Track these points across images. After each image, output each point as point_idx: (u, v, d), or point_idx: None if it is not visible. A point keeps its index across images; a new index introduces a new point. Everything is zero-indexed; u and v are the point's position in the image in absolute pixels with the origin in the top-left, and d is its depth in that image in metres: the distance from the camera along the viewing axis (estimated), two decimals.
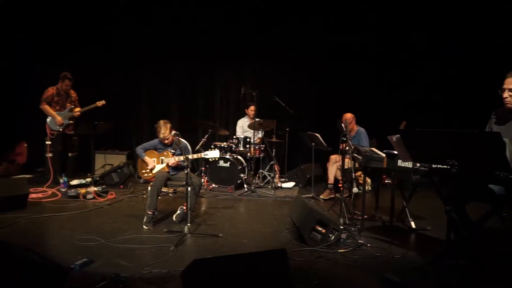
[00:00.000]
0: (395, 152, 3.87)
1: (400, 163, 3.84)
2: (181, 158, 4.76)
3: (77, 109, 6.96)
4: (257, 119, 7.16)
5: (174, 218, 4.79)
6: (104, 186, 6.38)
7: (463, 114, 7.34)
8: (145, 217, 4.58)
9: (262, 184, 7.29)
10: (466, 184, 3.05)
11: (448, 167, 2.56)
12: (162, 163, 4.90)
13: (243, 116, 7.96)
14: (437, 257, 3.49)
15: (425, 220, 5.01)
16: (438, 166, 3.14)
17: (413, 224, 4.66)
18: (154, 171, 4.88)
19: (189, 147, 5.14)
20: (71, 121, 6.95)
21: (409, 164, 3.70)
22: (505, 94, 3.11)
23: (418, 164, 3.47)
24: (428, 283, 3.06)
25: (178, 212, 4.82)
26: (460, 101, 7.60)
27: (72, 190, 5.98)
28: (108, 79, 8.43)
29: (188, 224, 4.28)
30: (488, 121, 3.40)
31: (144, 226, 4.51)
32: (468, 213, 3.23)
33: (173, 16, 8.45)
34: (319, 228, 3.93)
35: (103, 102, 6.82)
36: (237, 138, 7.22)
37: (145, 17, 8.45)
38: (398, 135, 3.52)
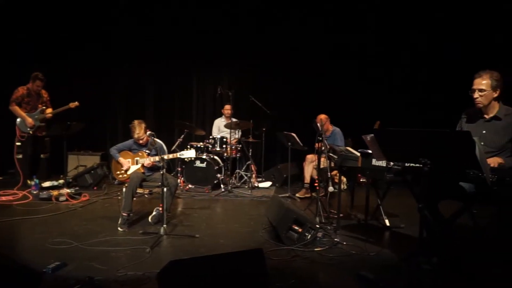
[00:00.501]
0: (370, 151, 3.93)
1: (374, 162, 3.90)
2: (157, 158, 4.70)
3: (49, 110, 6.79)
4: (233, 119, 7.15)
5: (149, 220, 4.73)
6: (77, 188, 6.25)
7: (439, 113, 7.50)
8: (120, 219, 4.51)
9: (239, 184, 7.28)
10: (438, 182, 3.13)
11: (421, 165, 2.61)
12: (137, 164, 4.84)
13: (219, 116, 7.93)
14: (410, 254, 3.56)
15: (399, 218, 5.11)
16: (411, 164, 3.20)
17: (387, 222, 4.74)
18: (129, 172, 4.80)
19: (165, 148, 5.09)
20: (42, 123, 6.77)
21: (383, 163, 3.76)
22: (475, 95, 3.20)
23: (391, 163, 3.52)
24: (402, 280, 3.12)
25: (154, 213, 4.76)
26: (432, 101, 7.78)
27: (44, 192, 5.83)
28: (82, 79, 8.26)
29: (164, 225, 4.23)
30: (458, 120, 3.50)
31: (119, 228, 4.44)
32: (440, 211, 3.31)
33: (150, 17, 8.35)
34: (296, 227, 3.95)
35: (76, 103, 6.66)
36: (214, 138, 7.20)
37: (120, 18, 8.33)
38: (372, 135, 3.57)
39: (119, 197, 5.18)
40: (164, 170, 4.30)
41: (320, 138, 4.83)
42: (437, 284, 2.95)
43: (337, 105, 7.76)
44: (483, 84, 3.17)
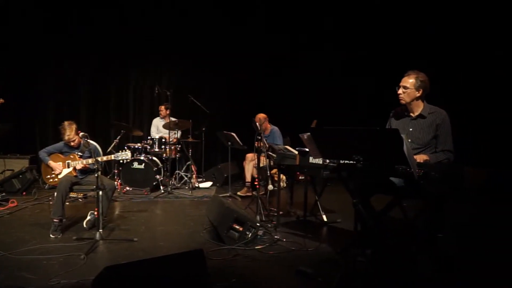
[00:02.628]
0: (307, 150, 4.03)
1: (311, 160, 4.01)
2: (90, 161, 4.53)
3: None
4: (172, 119, 7.03)
5: (84, 225, 4.54)
6: (3, 194, 5.86)
7: (372, 111, 7.86)
8: (52, 225, 4.28)
9: (179, 185, 7.19)
10: (370, 178, 3.27)
11: (354, 162, 2.72)
12: (68, 167, 4.62)
13: (157, 116, 7.77)
14: (346, 248, 3.70)
15: (336, 213, 5.30)
16: (346, 161, 3.32)
17: (324, 218, 4.89)
18: (60, 176, 4.58)
19: (99, 149, 4.90)
20: None
21: (319, 161, 3.88)
22: (400, 91, 3.39)
23: (327, 161, 3.63)
24: (339, 272, 3.23)
25: (89, 218, 4.58)
26: (367, 99, 8.13)
27: None
28: (7, 77, 7.74)
29: (100, 230, 4.08)
30: (387, 119, 3.68)
31: (51, 235, 4.22)
32: (373, 205, 3.46)
33: (83, 13, 7.98)
34: (236, 226, 3.96)
35: (1, 100, 6.22)
36: (152, 139, 7.05)
37: (56, 14, 7.89)
38: (309, 133, 3.66)
39: (51, 202, 4.91)
40: (99, 172, 4.14)
41: (259, 137, 4.89)
42: (370, 275, 3.09)
43: (275, 104, 7.91)
44: (408, 82, 3.36)
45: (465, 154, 3.51)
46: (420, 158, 3.15)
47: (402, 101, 3.40)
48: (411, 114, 3.45)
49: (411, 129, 3.42)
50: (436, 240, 3.13)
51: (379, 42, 8.06)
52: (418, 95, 3.35)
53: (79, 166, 4.58)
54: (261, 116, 6.30)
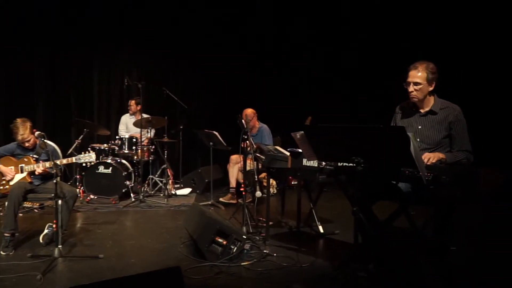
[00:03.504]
0: (300, 151, 4.03)
1: (305, 162, 4.01)
2: (47, 164, 4.48)
3: None
4: (144, 115, 6.99)
5: (41, 240, 4.49)
6: None
7: (375, 107, 7.92)
8: (3, 241, 4.23)
9: (152, 192, 7.15)
10: (373, 183, 3.29)
11: (354, 165, 2.73)
12: (22, 171, 4.57)
13: (127, 112, 7.73)
14: (345, 262, 3.72)
15: (334, 223, 5.32)
16: (344, 164, 3.33)
17: (321, 229, 4.91)
18: (12, 183, 4.52)
19: (59, 151, 4.87)
20: None
21: (314, 163, 3.88)
22: (410, 88, 3.40)
23: (323, 163, 3.64)
24: None
25: (46, 231, 4.53)
26: (368, 94, 8.19)
27: None
28: None
29: (59, 246, 4.02)
30: (393, 115, 3.71)
31: (2, 252, 4.17)
32: (375, 213, 3.48)
33: None
34: (220, 240, 3.95)
35: None
36: (121, 139, 7.01)
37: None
38: (302, 132, 3.66)
39: (1, 214, 4.85)
40: (59, 178, 4.10)
41: (246, 137, 4.88)
42: None
43: (264, 99, 7.92)
44: (418, 77, 3.36)
45: (479, 154, 3.54)
46: (435, 156, 3.17)
47: (414, 99, 3.42)
48: (420, 110, 3.49)
49: (419, 127, 3.45)
50: (448, 253, 3.16)
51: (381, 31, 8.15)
52: (431, 89, 3.39)
53: (39, 170, 4.52)
54: (249, 111, 6.30)
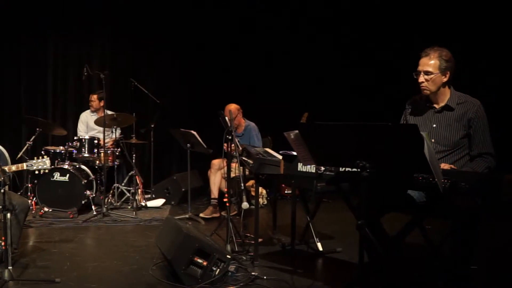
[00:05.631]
0: (295, 153, 4.06)
1: (300, 167, 4.04)
2: None
3: None
4: (108, 112, 6.98)
5: None
6: None
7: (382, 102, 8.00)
8: None
9: (118, 204, 7.15)
10: (381, 191, 3.32)
11: (358, 170, 2.76)
12: None
13: (87, 108, 7.71)
14: (349, 286, 3.75)
15: (335, 239, 5.36)
16: (347, 169, 3.36)
17: (319, 246, 4.93)
18: None
19: (7, 155, 4.87)
20: None
21: (311, 169, 3.91)
22: (421, 78, 3.42)
23: (322, 168, 3.67)
24: None
25: None
26: (376, 87, 8.27)
27: None
28: None
29: (9, 267, 4.02)
30: (402, 112, 3.74)
31: None
32: (384, 227, 3.52)
33: None
34: (199, 260, 3.96)
35: None
36: (80, 140, 6.98)
37: None
38: (297, 131, 3.69)
39: None
40: (7, 187, 4.09)
41: (230, 137, 4.90)
42: None
43: (251, 92, 7.94)
44: (430, 65, 3.38)
45: (502, 157, 3.59)
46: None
47: (425, 91, 3.44)
48: (435, 105, 3.52)
49: (434, 125, 3.48)
50: (468, 273, 3.21)
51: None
52: (445, 80, 3.41)
53: None
54: (232, 107, 6.31)
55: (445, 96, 3.47)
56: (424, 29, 7.60)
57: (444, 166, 3.22)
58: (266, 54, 8.59)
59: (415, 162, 2.64)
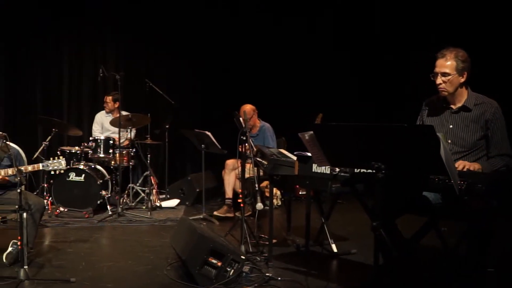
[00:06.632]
0: (309, 154, 4.05)
1: (315, 168, 4.03)
2: (10, 171, 4.50)
3: None
4: (124, 113, 7.02)
5: (4, 259, 4.52)
6: None
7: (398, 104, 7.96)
8: None
9: (133, 204, 7.18)
10: (396, 193, 3.30)
11: (373, 171, 2.75)
12: None
13: (102, 109, 7.75)
14: (363, 287, 3.73)
15: (349, 241, 5.34)
16: (362, 170, 3.35)
17: (334, 248, 4.92)
18: None
19: (23, 155, 4.90)
20: None
21: (326, 170, 3.90)
22: (438, 80, 3.42)
23: (337, 169, 3.66)
24: None
25: (10, 249, 4.55)
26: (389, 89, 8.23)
27: None
28: None
29: (25, 267, 4.05)
30: (419, 112, 3.72)
31: None
32: (399, 229, 3.50)
33: None
34: (213, 261, 3.96)
35: None
36: (95, 140, 7.02)
37: None
38: (312, 132, 3.68)
39: None
40: (23, 187, 4.12)
41: (244, 138, 4.90)
42: None
43: (266, 93, 7.94)
44: (446, 66, 3.37)
45: None
46: (470, 165, 3.18)
47: (443, 92, 3.43)
48: (451, 105, 3.50)
49: (451, 126, 3.46)
50: (485, 277, 3.18)
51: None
52: (463, 80, 3.40)
53: None
54: (248, 108, 6.31)
55: (462, 97, 3.46)
56: (440, 28, 7.54)
57: (474, 165, 3.21)
58: (281, 55, 8.57)
59: (431, 164, 2.63)
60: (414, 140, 2.65)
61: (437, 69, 3.41)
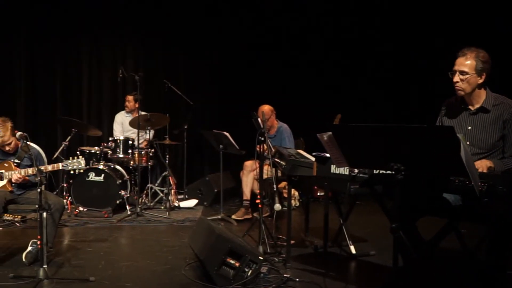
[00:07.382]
0: (328, 155, 4.04)
1: (334, 169, 4.02)
2: (30, 171, 4.55)
3: None
4: (142, 113, 7.06)
5: (23, 258, 4.56)
6: None
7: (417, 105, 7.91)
8: None
9: (152, 204, 7.22)
10: (416, 194, 3.28)
11: (393, 172, 2.73)
12: (2, 179, 4.65)
13: (122, 109, 7.80)
14: None
15: (368, 242, 5.31)
16: (381, 172, 3.33)
17: (352, 249, 4.90)
18: None
19: (43, 155, 4.94)
20: None
21: (345, 171, 3.88)
22: (456, 78, 3.38)
23: (356, 170, 3.64)
24: None
25: (30, 249, 4.60)
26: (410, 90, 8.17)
27: None
28: None
29: (45, 266, 4.09)
30: (438, 113, 3.69)
31: None
32: (419, 231, 3.47)
33: None
34: (231, 261, 3.97)
35: None
36: (115, 141, 7.06)
37: None
38: (331, 133, 3.67)
39: None
40: (43, 187, 4.16)
41: (262, 138, 4.90)
42: None
43: (284, 94, 7.93)
44: (466, 65, 3.33)
45: None
46: (482, 165, 3.16)
47: (460, 92, 3.39)
48: (470, 107, 3.46)
49: (469, 127, 3.43)
50: (505, 279, 3.14)
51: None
52: (481, 81, 3.36)
53: (15, 177, 4.59)
54: (266, 108, 6.30)
55: (480, 98, 3.42)
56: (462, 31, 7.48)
57: (485, 162, 3.18)
58: (299, 55, 8.56)
59: (451, 165, 2.61)
60: (434, 141, 2.62)
61: (456, 67, 3.37)
